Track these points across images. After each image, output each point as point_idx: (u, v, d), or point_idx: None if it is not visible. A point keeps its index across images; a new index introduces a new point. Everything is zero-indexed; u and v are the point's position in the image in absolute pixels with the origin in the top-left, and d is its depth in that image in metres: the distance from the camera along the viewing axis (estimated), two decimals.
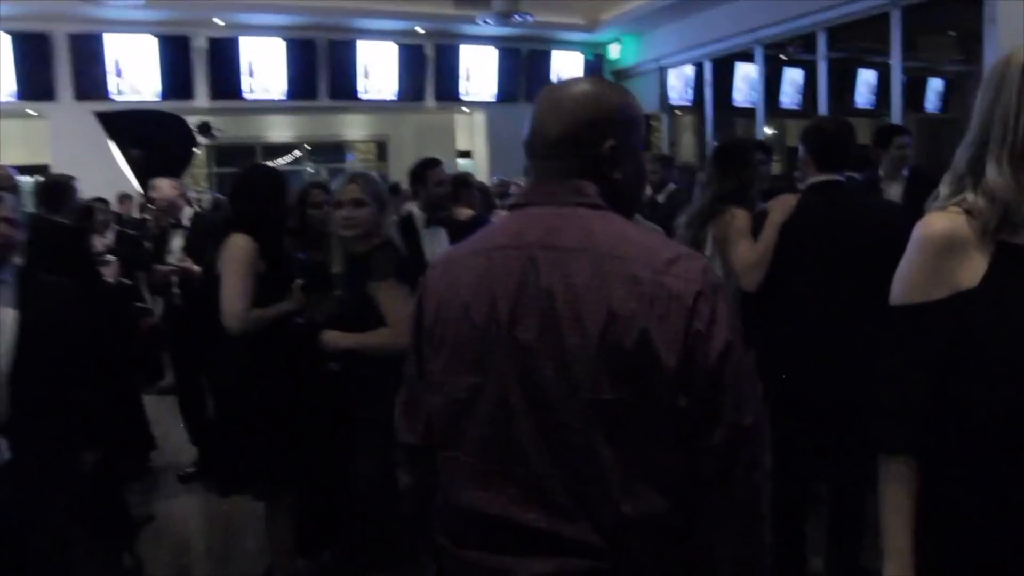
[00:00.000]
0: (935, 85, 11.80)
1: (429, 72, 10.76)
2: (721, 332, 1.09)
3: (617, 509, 1.10)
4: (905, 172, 4.45)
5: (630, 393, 1.09)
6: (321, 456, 2.74)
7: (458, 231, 3.78)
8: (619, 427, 1.10)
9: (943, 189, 1.33)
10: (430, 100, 10.88)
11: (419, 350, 1.30)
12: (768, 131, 9.79)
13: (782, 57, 10.43)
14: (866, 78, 11.32)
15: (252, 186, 2.98)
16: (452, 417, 1.21)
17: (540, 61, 11.37)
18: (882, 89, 11.48)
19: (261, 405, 2.75)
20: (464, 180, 4.82)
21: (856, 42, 9.65)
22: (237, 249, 2.78)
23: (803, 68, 10.69)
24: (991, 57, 6.73)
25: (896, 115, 7.76)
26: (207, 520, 4.13)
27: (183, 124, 7.89)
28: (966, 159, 1.31)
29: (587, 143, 1.19)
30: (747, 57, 9.94)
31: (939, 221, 1.28)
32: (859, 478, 2.75)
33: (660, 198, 5.34)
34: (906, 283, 1.31)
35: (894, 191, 4.35)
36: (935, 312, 1.26)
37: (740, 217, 3.04)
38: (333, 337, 2.63)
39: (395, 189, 6.25)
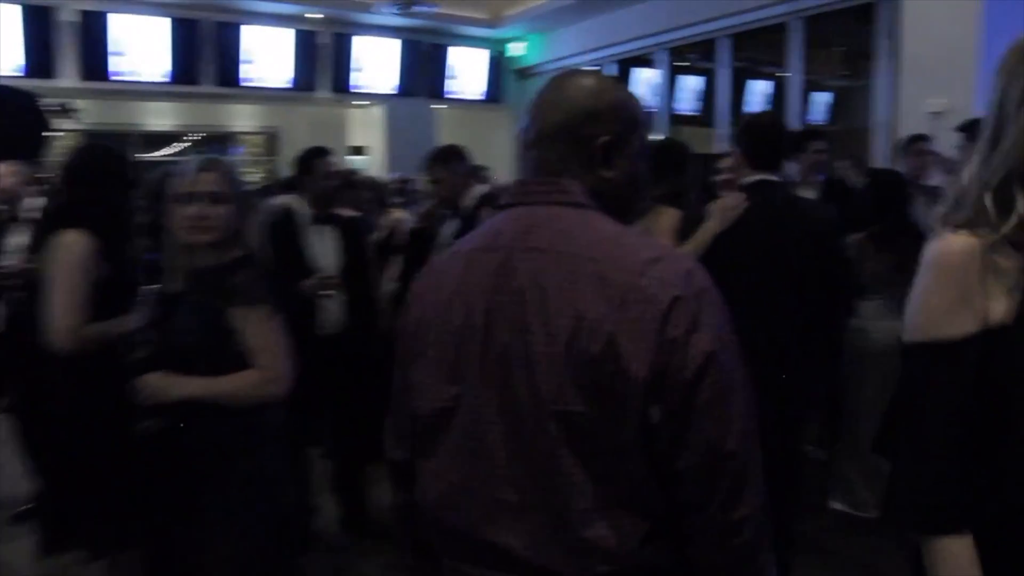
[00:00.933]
0: (823, 98, 12.04)
1: (324, 61, 10.09)
2: (702, 341, 0.98)
3: (589, 535, 1.01)
4: (821, 177, 4.37)
5: (598, 405, 1.00)
6: (169, 511, 2.19)
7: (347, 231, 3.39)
8: (588, 443, 1.01)
9: (948, 204, 1.15)
10: (324, 91, 10.21)
11: (403, 360, 1.22)
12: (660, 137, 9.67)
13: (683, 64, 10.35)
14: (761, 88, 11.42)
15: (88, 169, 2.39)
16: (431, 428, 1.15)
17: (441, 55, 10.90)
18: (777, 100, 11.68)
19: (92, 445, 2.19)
20: (348, 179, 4.31)
21: (751, 52, 9.70)
22: (67, 249, 2.21)
23: (702, 75, 10.68)
24: (883, 72, 6.78)
25: (793, 126, 7.72)
26: (46, 570, 3.47)
27: (31, 101, 6.95)
28: (989, 171, 1.09)
29: (583, 136, 1.12)
30: (648, 62, 9.79)
31: (959, 241, 1.10)
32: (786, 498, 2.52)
33: None
34: (927, 314, 1.13)
35: (808, 196, 4.18)
36: (967, 350, 1.08)
37: (667, 217, 2.74)
38: (162, 383, 1.89)
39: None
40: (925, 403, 1.12)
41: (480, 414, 1.08)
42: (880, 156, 6.17)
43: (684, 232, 2.64)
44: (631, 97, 1.17)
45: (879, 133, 6.55)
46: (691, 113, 10.78)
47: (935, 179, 4.42)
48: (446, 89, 11.02)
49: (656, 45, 9.28)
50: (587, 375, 0.99)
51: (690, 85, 10.84)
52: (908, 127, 5.35)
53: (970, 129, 3.43)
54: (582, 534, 1.01)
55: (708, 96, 10.58)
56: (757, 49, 9.76)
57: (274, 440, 1.95)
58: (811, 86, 11.32)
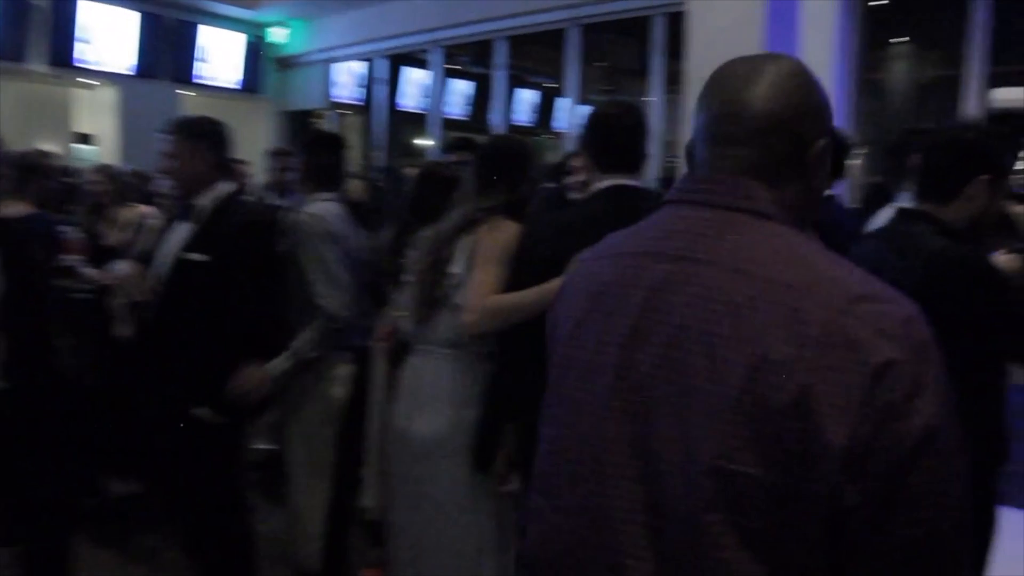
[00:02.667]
0: (583, 111, 12.17)
1: (38, 26, 8.24)
2: (925, 409, 0.76)
3: None
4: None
5: (777, 470, 0.77)
6: None
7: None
8: (752, 513, 0.78)
9: None
10: (39, 63, 8.35)
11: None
12: (430, 142, 9.11)
13: (456, 67, 9.83)
14: (528, 97, 11.27)
15: None
16: (545, 456, 0.98)
17: (189, 34, 9.41)
18: (543, 108, 11.59)
19: None
20: (32, 165, 3.00)
21: (523, 60, 9.45)
22: None
23: (473, 79, 10.26)
24: (656, 88, 6.69)
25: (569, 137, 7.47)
26: None
27: None
28: None
29: (803, 136, 0.91)
30: (420, 60, 9.13)
31: None
32: None
33: None
34: None
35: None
36: None
37: (503, 231, 2.04)
38: None
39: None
40: None
41: (601, 459, 0.88)
42: (653, 170, 6.01)
43: (526, 252, 1.96)
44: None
45: (652, 147, 6.41)
46: (460, 118, 10.29)
47: None
48: (194, 73, 9.55)
49: (430, 42, 8.62)
50: (767, 430, 0.78)
51: (461, 88, 10.38)
52: None
53: None
54: None
55: (478, 101, 10.21)
56: (529, 57, 9.54)
57: None
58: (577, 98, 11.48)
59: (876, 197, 4.15)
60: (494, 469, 2.06)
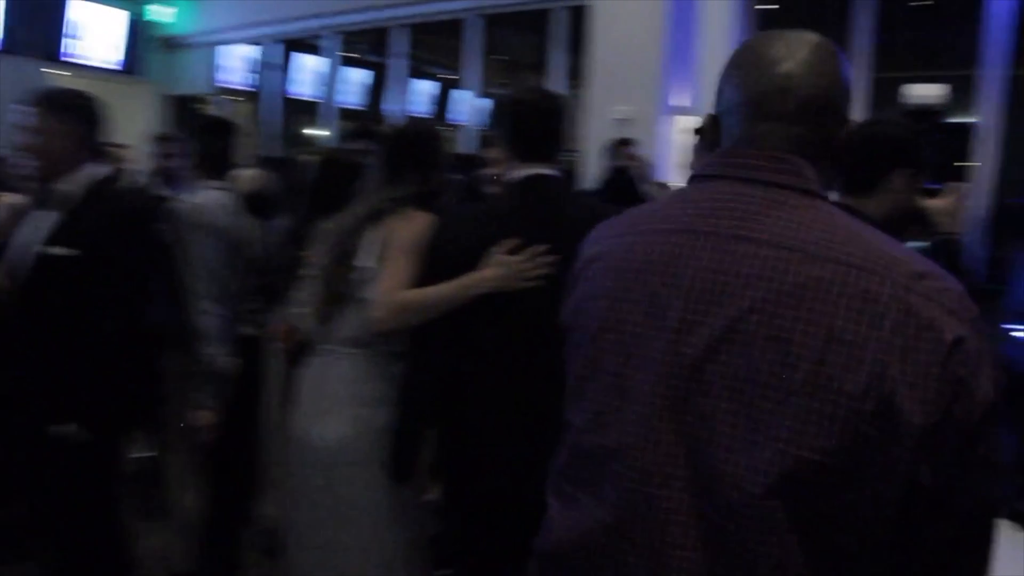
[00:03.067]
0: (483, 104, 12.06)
1: None
2: (987, 382, 0.77)
3: None
4: None
5: (841, 454, 0.75)
6: None
7: None
8: (807, 499, 0.77)
9: None
10: None
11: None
12: (325, 131, 8.78)
13: (352, 54, 9.50)
14: (425, 88, 11.04)
15: None
16: (582, 443, 0.93)
17: (59, 7, 8.67)
18: (442, 100, 11.38)
19: None
20: None
21: (420, 51, 9.24)
22: None
23: (369, 68, 9.95)
24: (557, 83, 6.65)
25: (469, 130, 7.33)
26: None
27: None
28: None
29: (840, 114, 0.90)
30: (314, 46, 8.76)
31: None
32: None
33: None
34: None
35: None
36: None
37: (415, 223, 1.89)
38: None
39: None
40: None
41: (646, 447, 0.84)
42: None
43: (440, 245, 1.81)
44: None
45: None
46: (356, 107, 9.96)
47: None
48: (66, 51, 8.82)
49: (325, 28, 8.27)
50: (839, 413, 0.76)
51: (357, 77, 10.04)
52: (596, 134, 5.14)
53: (702, 132, 3.07)
54: None
55: (375, 91, 9.91)
56: (428, 47, 9.34)
57: None
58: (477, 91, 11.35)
59: None
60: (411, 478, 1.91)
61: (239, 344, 2.45)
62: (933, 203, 1.85)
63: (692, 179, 0.96)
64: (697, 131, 3.25)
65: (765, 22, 6.29)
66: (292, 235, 2.47)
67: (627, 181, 3.31)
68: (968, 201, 2.67)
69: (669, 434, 0.84)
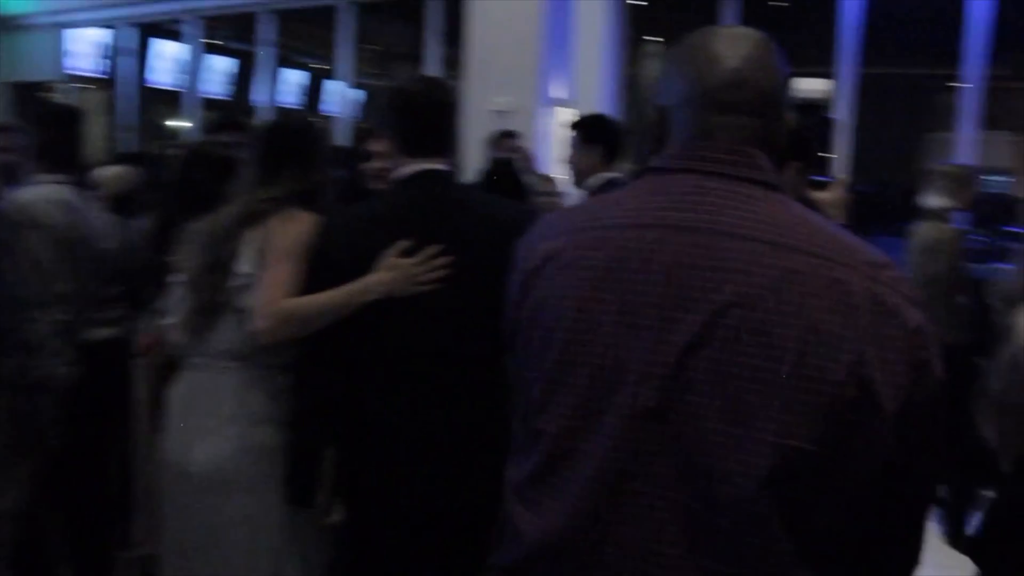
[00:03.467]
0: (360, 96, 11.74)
1: None
2: (938, 361, 0.82)
3: None
4: None
5: (828, 442, 0.78)
6: None
7: None
8: (796, 488, 0.79)
9: None
10: None
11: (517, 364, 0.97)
12: (187, 123, 8.25)
13: (215, 41, 8.96)
14: (295, 78, 10.59)
15: None
16: (551, 449, 0.89)
17: None
18: (312, 91, 10.96)
19: None
20: None
21: (290, 39, 8.84)
22: None
23: (234, 56, 9.41)
24: (432, 73, 6.50)
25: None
26: None
27: None
28: None
29: (779, 109, 0.91)
30: (174, 32, 8.20)
31: None
32: None
33: None
34: None
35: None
36: None
37: (298, 226, 1.73)
38: None
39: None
40: None
41: (634, 442, 0.83)
42: None
43: (326, 248, 1.67)
44: None
45: None
46: (220, 97, 9.41)
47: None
48: None
49: (185, 12, 7.75)
50: (823, 402, 0.78)
51: (221, 65, 9.48)
52: (475, 125, 5.03)
53: (582, 126, 3.03)
54: None
55: (241, 80, 9.40)
56: (298, 36, 8.95)
57: None
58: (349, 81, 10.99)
59: None
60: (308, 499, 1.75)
61: (87, 352, 2.19)
62: (822, 196, 1.88)
63: (650, 172, 0.94)
64: (574, 125, 3.22)
65: (636, 16, 6.41)
66: (155, 237, 2.23)
67: (510, 173, 3.24)
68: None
69: (653, 434, 0.83)
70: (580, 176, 3.00)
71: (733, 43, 0.91)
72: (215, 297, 1.77)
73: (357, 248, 1.65)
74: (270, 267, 1.69)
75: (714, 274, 0.82)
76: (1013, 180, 6.24)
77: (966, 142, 5.22)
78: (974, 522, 1.38)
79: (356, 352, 1.65)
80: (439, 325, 1.65)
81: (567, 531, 0.87)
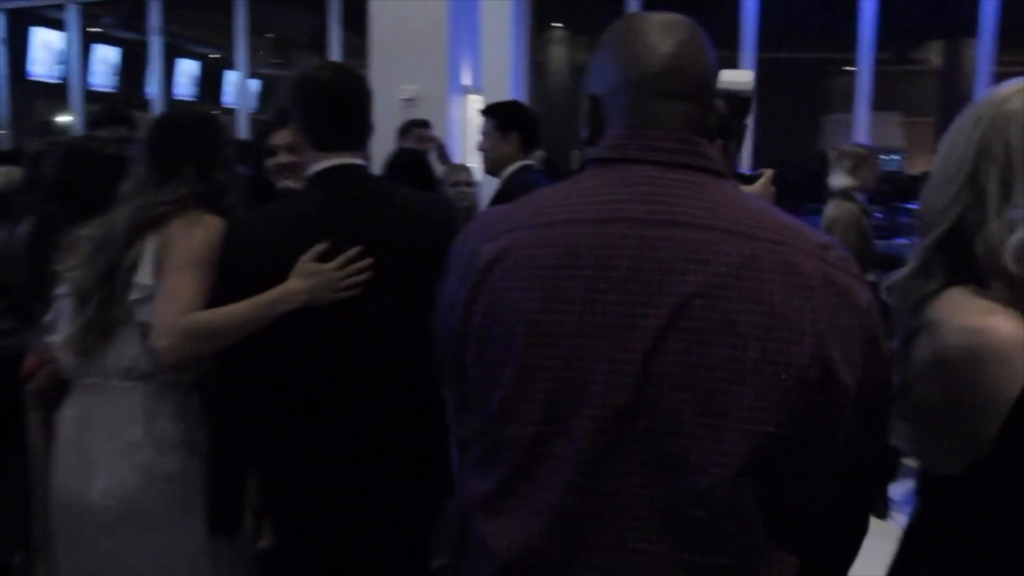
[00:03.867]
0: (253, 85, 11.25)
1: None
2: (885, 336, 0.84)
3: None
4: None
5: (798, 425, 0.79)
6: None
7: None
8: (771, 472, 0.79)
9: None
10: None
11: (460, 370, 0.91)
12: (70, 117, 7.71)
13: (98, 29, 8.40)
14: (189, 68, 10.06)
15: None
16: (520, 461, 0.85)
17: None
18: (208, 81, 10.45)
19: None
20: None
21: (181, 26, 8.39)
22: None
23: (120, 45, 8.84)
24: (335, 57, 6.26)
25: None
26: None
27: None
28: None
29: (712, 95, 0.92)
30: (53, 19, 7.62)
31: (1005, 322, 0.83)
32: None
33: None
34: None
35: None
36: None
37: (203, 231, 1.57)
38: None
39: None
40: None
41: (608, 441, 0.81)
42: None
43: (234, 255, 1.52)
44: None
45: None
46: (107, 90, 8.83)
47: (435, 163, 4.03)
48: None
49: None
50: (790, 385, 0.78)
51: (107, 56, 8.88)
52: (382, 115, 4.85)
53: (497, 114, 2.93)
54: None
55: (130, 71, 8.84)
56: (190, 23, 8.48)
57: None
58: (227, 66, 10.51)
59: (551, 170, 4.43)
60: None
61: None
62: (750, 188, 1.84)
63: (594, 163, 0.91)
64: (488, 113, 3.12)
65: (539, 2, 6.34)
66: (34, 244, 2.00)
67: (418, 164, 3.10)
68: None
69: (625, 433, 0.81)
70: (496, 165, 2.90)
71: (666, 30, 0.90)
72: (110, 311, 1.58)
73: (269, 253, 1.50)
74: (172, 277, 1.51)
75: (675, 266, 0.81)
76: (904, 158, 6.56)
77: (860, 123, 5.41)
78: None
79: (275, 364, 1.51)
80: (363, 332, 1.53)
81: (543, 540, 0.84)
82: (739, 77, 2.79)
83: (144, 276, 1.57)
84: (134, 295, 1.57)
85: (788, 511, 0.82)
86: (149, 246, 1.58)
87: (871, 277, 3.61)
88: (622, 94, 0.90)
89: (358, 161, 1.61)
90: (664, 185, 0.85)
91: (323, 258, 1.48)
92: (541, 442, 0.84)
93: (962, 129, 0.92)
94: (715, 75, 0.92)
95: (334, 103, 1.59)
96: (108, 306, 1.58)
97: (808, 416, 0.79)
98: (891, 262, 3.44)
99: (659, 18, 0.91)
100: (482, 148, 2.98)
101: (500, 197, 2.75)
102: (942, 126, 9.77)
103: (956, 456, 0.84)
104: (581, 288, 0.82)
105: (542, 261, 0.85)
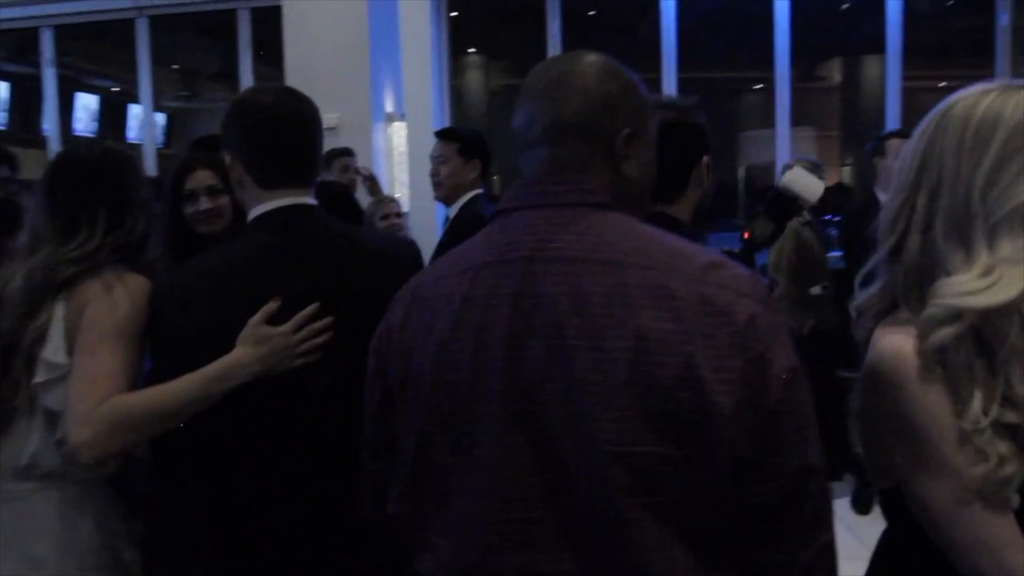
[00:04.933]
0: (159, 119, 10.65)
1: None
2: (785, 354, 0.83)
3: None
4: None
5: (677, 443, 0.81)
6: None
7: None
8: (660, 490, 0.81)
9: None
10: None
11: (385, 417, 0.97)
12: None
13: None
14: (88, 102, 9.41)
15: None
16: (436, 491, 0.90)
17: None
18: (109, 116, 9.82)
19: None
20: None
21: (79, 59, 7.83)
22: None
23: (8, 79, 8.17)
24: (246, 82, 5.90)
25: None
26: None
27: None
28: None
29: (603, 129, 0.93)
30: None
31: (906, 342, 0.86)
32: None
33: None
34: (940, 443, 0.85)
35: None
36: None
37: (124, 292, 1.27)
38: None
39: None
40: None
41: (506, 469, 0.85)
42: None
43: (162, 321, 1.23)
44: (637, 79, 0.98)
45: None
46: None
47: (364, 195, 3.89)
48: None
49: None
50: (659, 406, 0.81)
51: None
52: None
53: (460, 139, 2.72)
54: None
55: (20, 106, 8.17)
56: (89, 55, 7.93)
57: None
58: (129, 99, 9.93)
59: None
60: None
61: None
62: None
63: (499, 213, 0.96)
64: (443, 135, 2.88)
65: (456, 28, 6.18)
66: None
67: (345, 197, 2.84)
68: None
69: (525, 459, 0.84)
70: (453, 192, 2.67)
71: (547, 72, 0.96)
72: (8, 396, 1.26)
73: (208, 316, 1.22)
74: (89, 353, 1.21)
75: (545, 299, 0.85)
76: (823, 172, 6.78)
77: (782, 139, 5.45)
78: None
79: (216, 450, 1.22)
80: (323, 407, 1.26)
81: (463, 567, 0.87)
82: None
83: (53, 353, 1.25)
84: (39, 376, 1.25)
85: (691, 526, 0.83)
86: (57, 315, 1.26)
87: (816, 290, 3.57)
88: (520, 144, 0.97)
89: (308, 200, 1.35)
90: (543, 224, 0.90)
91: (274, 319, 1.21)
92: (451, 474, 0.88)
93: (914, 139, 0.92)
94: (603, 108, 0.93)
95: (281, 132, 1.31)
96: (5, 390, 1.26)
97: (685, 436, 0.80)
98: (843, 275, 3.40)
99: (550, 64, 0.99)
100: (439, 174, 2.74)
101: (459, 227, 2.52)
102: (845, 140, 10.16)
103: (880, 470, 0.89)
104: (473, 329, 0.87)
105: (444, 307, 0.90)
